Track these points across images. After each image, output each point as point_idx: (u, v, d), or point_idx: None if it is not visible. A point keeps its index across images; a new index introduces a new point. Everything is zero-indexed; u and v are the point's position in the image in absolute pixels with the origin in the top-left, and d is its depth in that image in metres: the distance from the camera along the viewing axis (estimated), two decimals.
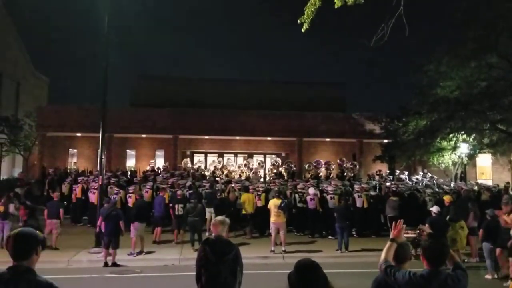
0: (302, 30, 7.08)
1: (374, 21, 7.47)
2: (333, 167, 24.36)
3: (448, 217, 12.19)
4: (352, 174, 23.82)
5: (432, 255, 3.68)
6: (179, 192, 15.31)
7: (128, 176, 22.65)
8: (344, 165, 24.23)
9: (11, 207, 13.61)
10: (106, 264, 11.67)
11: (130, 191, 16.20)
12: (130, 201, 15.58)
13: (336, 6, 6.79)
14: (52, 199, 14.67)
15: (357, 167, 25.03)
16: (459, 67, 19.83)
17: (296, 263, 3.26)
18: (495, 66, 19.01)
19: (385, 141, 26.66)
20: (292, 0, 6.83)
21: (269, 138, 29.57)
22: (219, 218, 5.61)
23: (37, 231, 3.25)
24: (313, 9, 6.83)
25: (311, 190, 16.47)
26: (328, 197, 16.24)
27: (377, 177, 23.33)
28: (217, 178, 21.21)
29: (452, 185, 20.57)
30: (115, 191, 16.75)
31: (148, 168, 24.77)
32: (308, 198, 16.04)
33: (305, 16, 6.90)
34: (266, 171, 25.25)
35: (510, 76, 18.75)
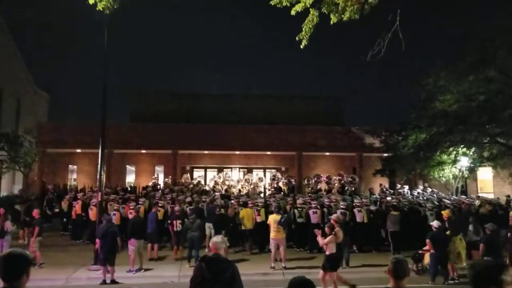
0: (301, 46, 7.11)
1: (372, 36, 7.52)
2: (335, 181, 24.32)
3: (448, 232, 12.12)
4: (353, 188, 23.77)
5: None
6: (176, 208, 15.26)
7: (128, 191, 22.60)
8: (344, 179, 24.19)
9: (8, 225, 13.49)
10: (104, 282, 11.54)
11: (131, 207, 16.11)
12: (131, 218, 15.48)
13: (332, 22, 6.83)
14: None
15: (357, 180, 24.96)
16: (457, 81, 19.90)
17: (290, 280, 3.34)
18: (494, 79, 19.09)
19: (385, 155, 26.65)
20: (290, 16, 6.87)
21: (268, 153, 29.58)
22: (218, 237, 5.60)
23: (27, 252, 3.23)
24: (310, 26, 6.86)
25: (314, 203, 16.45)
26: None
27: (377, 191, 23.32)
28: (216, 193, 21.14)
29: (452, 199, 20.49)
30: (115, 207, 16.71)
31: (150, 183, 24.75)
32: (310, 211, 15.96)
33: (303, 33, 6.94)
34: (266, 186, 25.20)
35: (508, 89, 18.81)
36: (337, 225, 10.36)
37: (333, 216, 11.74)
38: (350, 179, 24.40)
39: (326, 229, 10.10)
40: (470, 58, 18.79)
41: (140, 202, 17.00)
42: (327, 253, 9.80)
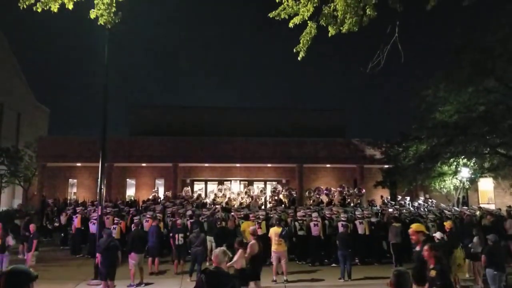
0: (299, 58, 7.16)
1: (372, 48, 7.55)
2: (335, 193, 24.24)
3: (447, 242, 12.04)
4: (359, 201, 23.66)
5: None
6: (179, 221, 15.17)
7: (128, 205, 22.54)
8: (345, 192, 24.12)
9: (9, 240, 13.43)
10: None
11: (135, 221, 16.01)
12: None
13: (330, 35, 6.87)
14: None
15: (363, 192, 24.83)
16: (457, 91, 19.93)
17: None
18: (493, 90, 19.12)
19: (386, 166, 26.62)
20: (289, 28, 6.93)
21: (269, 165, 29.54)
22: (220, 249, 5.55)
23: (31, 269, 3.21)
24: (308, 38, 6.90)
25: (315, 215, 16.35)
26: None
27: (379, 203, 23.25)
28: (217, 206, 21.06)
29: (453, 210, 20.41)
30: (115, 221, 16.64)
31: (150, 197, 24.69)
32: (311, 224, 15.88)
33: (301, 45, 6.98)
34: (267, 198, 25.13)
35: (508, 100, 18.83)
36: (253, 237, 10.24)
37: (250, 229, 11.52)
38: (356, 191, 24.31)
39: (235, 244, 9.96)
40: (469, 69, 18.83)
41: (147, 216, 16.92)
42: (237, 267, 9.61)
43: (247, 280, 9.48)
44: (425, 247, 6.33)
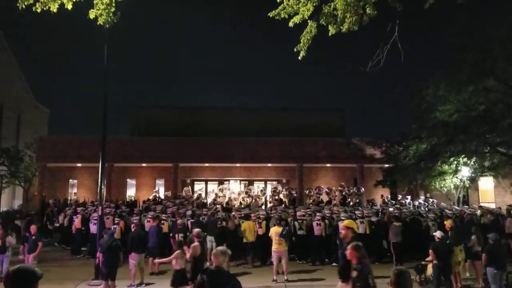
0: (299, 57, 7.15)
1: (372, 47, 7.54)
2: (336, 193, 24.21)
3: (448, 241, 12.04)
4: (358, 200, 23.64)
5: None
6: (179, 221, 15.16)
7: (128, 205, 22.50)
8: (345, 191, 24.08)
9: (9, 240, 13.43)
10: None
11: (135, 221, 16.00)
12: None
13: (330, 34, 6.85)
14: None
15: (362, 191, 24.78)
16: (457, 91, 19.94)
17: None
18: (493, 89, 19.13)
19: (386, 165, 26.60)
20: (289, 28, 6.92)
21: (269, 165, 29.52)
22: (220, 248, 5.54)
23: (36, 268, 3.23)
24: (309, 37, 6.89)
25: (319, 214, 16.35)
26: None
27: (379, 202, 23.21)
28: (218, 206, 21.03)
29: (453, 209, 20.40)
30: (115, 221, 16.62)
31: (151, 197, 24.66)
32: (314, 223, 15.87)
33: (301, 44, 6.97)
34: (267, 198, 25.10)
35: (508, 99, 18.83)
36: (196, 239, 10.26)
37: (194, 231, 11.50)
38: (355, 190, 24.25)
39: (174, 246, 9.94)
40: (468, 68, 18.83)
41: (149, 216, 16.91)
42: (176, 268, 9.63)
43: (186, 281, 9.50)
44: (349, 247, 6.32)
